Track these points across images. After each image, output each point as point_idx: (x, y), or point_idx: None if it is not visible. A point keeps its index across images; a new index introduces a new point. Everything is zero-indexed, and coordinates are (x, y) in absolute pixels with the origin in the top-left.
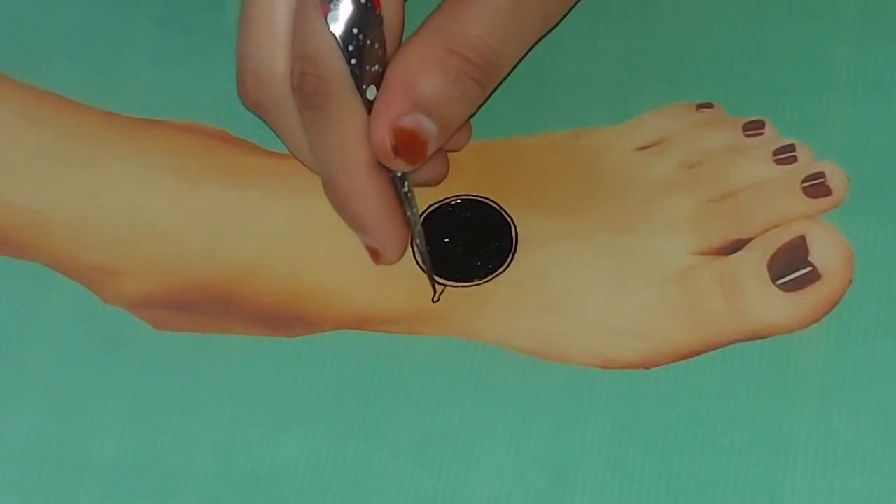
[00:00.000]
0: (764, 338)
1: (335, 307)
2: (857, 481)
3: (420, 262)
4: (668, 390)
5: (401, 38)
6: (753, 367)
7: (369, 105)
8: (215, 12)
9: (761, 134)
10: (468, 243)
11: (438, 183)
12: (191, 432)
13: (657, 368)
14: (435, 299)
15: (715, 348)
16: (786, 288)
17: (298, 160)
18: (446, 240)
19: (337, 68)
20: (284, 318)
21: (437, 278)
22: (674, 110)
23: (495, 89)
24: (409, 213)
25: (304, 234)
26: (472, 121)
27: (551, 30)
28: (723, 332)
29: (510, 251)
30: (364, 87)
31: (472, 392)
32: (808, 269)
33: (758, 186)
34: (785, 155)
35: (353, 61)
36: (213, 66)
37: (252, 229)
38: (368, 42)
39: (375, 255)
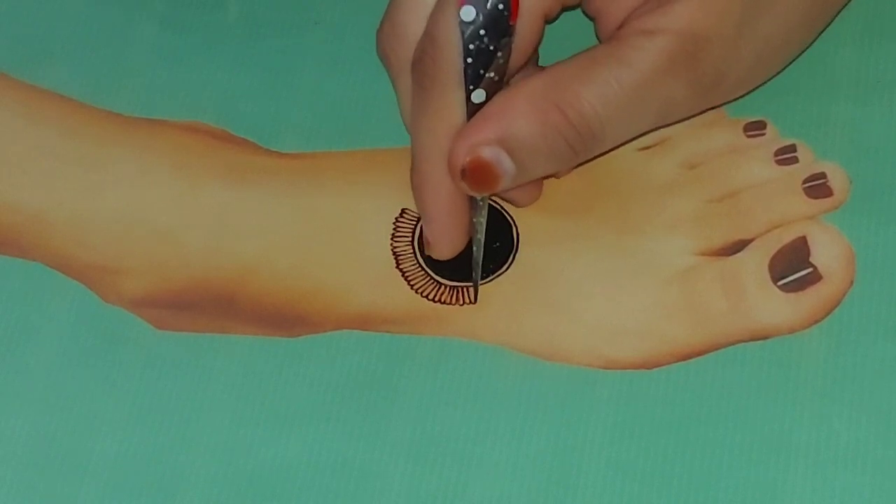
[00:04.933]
0: (765, 338)
1: (336, 307)
2: (857, 482)
3: (472, 267)
4: (670, 391)
5: (531, 55)
6: (754, 367)
7: (472, 107)
8: (216, 12)
9: (762, 134)
10: (469, 243)
11: (522, 206)
12: (191, 432)
13: (658, 369)
14: (475, 301)
15: (716, 349)
16: (787, 289)
17: (402, 119)
18: None
19: (451, 60)
20: (285, 318)
21: (438, 278)
22: None
23: (593, 158)
24: (475, 219)
25: (306, 233)
26: None
27: (667, 126)
28: (724, 333)
29: (511, 251)
30: (472, 87)
31: (473, 392)
32: (810, 269)
33: (759, 187)
34: (786, 155)
35: (469, 60)
36: (215, 66)
37: (253, 229)
38: (492, 48)
39: (427, 244)
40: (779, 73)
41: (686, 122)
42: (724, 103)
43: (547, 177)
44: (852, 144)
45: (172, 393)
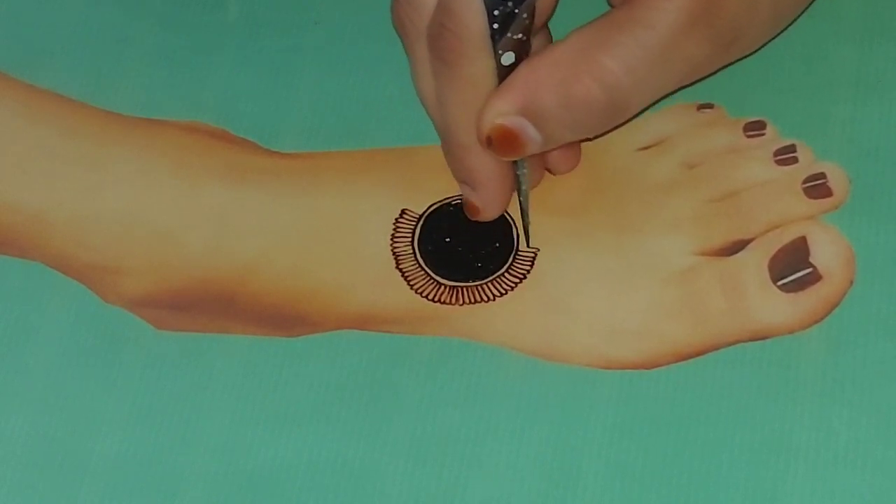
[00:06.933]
0: (764, 338)
1: (336, 307)
2: (857, 482)
3: (521, 217)
4: (669, 391)
5: (553, 9)
6: (754, 367)
7: (504, 70)
8: (216, 12)
9: (762, 134)
10: (469, 243)
11: (561, 173)
12: (191, 432)
13: (658, 369)
14: (528, 245)
15: (716, 349)
16: (786, 289)
17: (415, 88)
18: (447, 239)
19: (476, 30)
20: (285, 318)
21: (438, 278)
22: (675, 111)
23: (619, 126)
24: (519, 172)
25: (306, 233)
26: None
27: (688, 86)
28: (723, 333)
29: (511, 252)
30: (501, 52)
31: (473, 392)
32: (809, 269)
33: (759, 187)
34: (786, 156)
35: (496, 26)
36: (214, 66)
37: (253, 229)
38: (517, 11)
39: (474, 210)
40: (793, 22)
41: (686, 123)
42: (742, 58)
43: (549, 171)
44: (852, 144)
45: (172, 393)
